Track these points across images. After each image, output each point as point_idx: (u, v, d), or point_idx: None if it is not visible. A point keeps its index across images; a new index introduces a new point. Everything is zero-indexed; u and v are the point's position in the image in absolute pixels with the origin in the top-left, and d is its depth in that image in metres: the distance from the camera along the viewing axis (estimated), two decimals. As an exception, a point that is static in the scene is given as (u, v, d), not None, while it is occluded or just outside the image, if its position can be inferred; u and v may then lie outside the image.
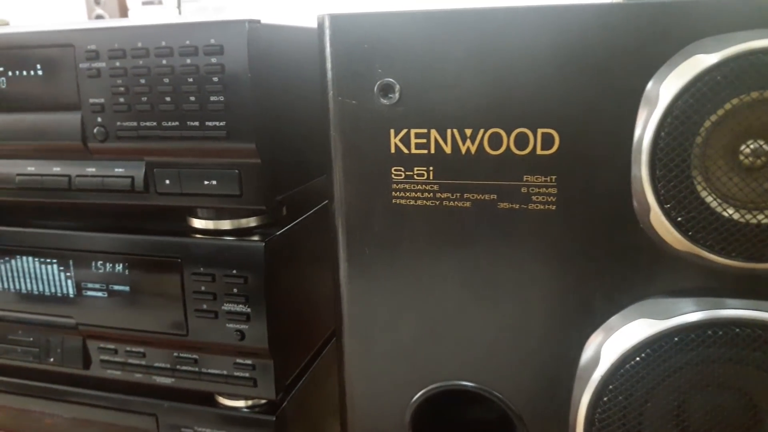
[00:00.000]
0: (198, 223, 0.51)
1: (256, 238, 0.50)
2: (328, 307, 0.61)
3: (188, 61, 0.45)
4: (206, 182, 0.48)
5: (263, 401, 0.53)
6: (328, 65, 0.43)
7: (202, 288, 0.49)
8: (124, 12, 2.12)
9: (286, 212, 0.53)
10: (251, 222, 0.51)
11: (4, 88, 0.51)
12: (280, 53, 0.48)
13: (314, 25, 0.42)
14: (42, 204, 0.53)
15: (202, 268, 0.49)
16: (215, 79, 0.44)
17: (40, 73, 0.49)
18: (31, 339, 0.56)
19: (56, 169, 0.51)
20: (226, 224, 0.51)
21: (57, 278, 0.54)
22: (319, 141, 0.44)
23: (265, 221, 0.51)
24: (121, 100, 0.47)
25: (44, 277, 0.54)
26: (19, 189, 0.52)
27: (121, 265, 0.51)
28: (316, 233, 0.57)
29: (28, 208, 0.56)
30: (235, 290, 0.48)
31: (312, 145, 0.57)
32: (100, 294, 0.53)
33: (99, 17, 2.02)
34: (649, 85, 0.38)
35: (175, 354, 0.52)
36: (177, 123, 0.46)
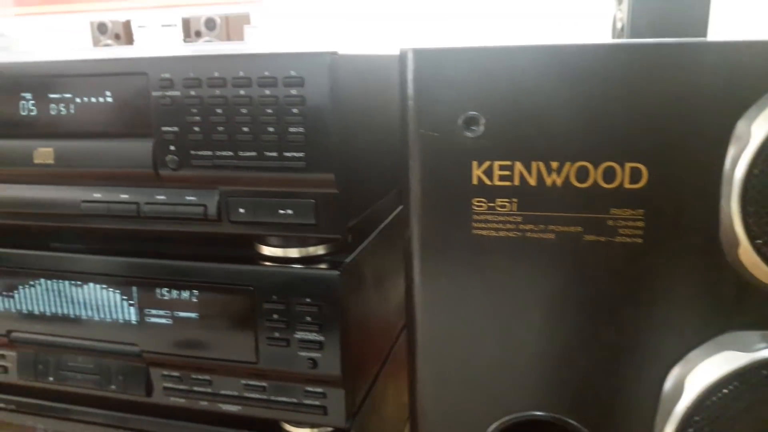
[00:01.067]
0: (267, 251, 0.51)
1: (323, 266, 0.50)
2: (386, 330, 0.61)
3: (267, 92, 0.45)
4: (281, 211, 0.48)
5: (329, 428, 0.53)
6: (410, 98, 0.43)
7: (275, 316, 0.49)
8: (129, 39, 2.12)
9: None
10: (319, 250, 0.51)
11: (72, 114, 0.50)
12: (354, 82, 0.48)
13: (376, 52, 0.42)
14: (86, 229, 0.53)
15: (275, 297, 0.49)
16: (295, 110, 0.45)
17: (109, 100, 0.49)
18: (92, 366, 0.56)
19: (124, 197, 0.51)
20: (294, 252, 0.51)
21: (122, 305, 0.54)
22: (381, 165, 0.44)
23: (331, 248, 0.51)
24: (196, 129, 0.47)
25: (109, 303, 0.54)
26: (83, 216, 0.52)
27: (190, 292, 0.51)
28: (377, 257, 0.57)
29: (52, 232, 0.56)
30: (308, 318, 0.49)
31: (375, 170, 0.57)
32: (166, 321, 0.53)
33: (107, 46, 2.03)
34: (739, 123, 0.38)
35: (243, 382, 0.52)
36: (254, 153, 0.46)
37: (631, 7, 0.58)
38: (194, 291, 0.51)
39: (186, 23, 2.74)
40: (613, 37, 0.65)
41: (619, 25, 0.62)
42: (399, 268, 0.66)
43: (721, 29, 0.60)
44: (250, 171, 0.47)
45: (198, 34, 2.74)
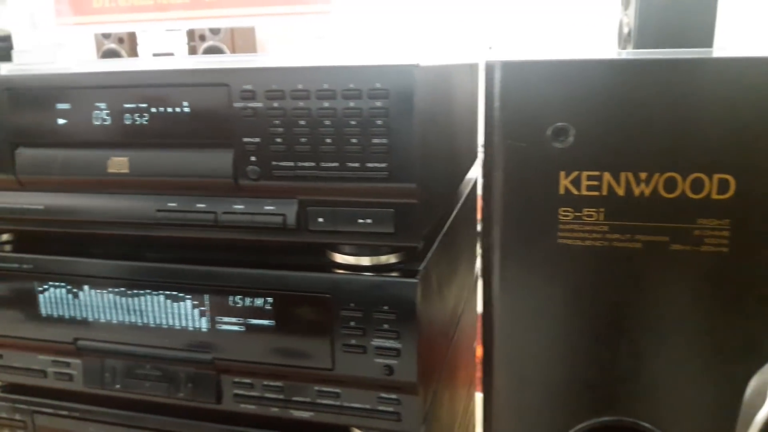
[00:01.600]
0: (340, 259, 0.52)
1: (397, 273, 0.50)
2: (445, 335, 0.62)
3: (351, 104, 0.45)
4: (360, 221, 0.48)
5: (400, 433, 0.54)
6: (496, 109, 0.44)
7: (352, 323, 0.50)
8: (133, 43, 2.13)
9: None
10: (391, 258, 0.52)
11: (146, 124, 0.51)
12: (430, 92, 0.49)
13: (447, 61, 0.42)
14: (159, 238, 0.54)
15: (352, 304, 0.50)
16: (379, 122, 0.45)
17: (186, 110, 0.50)
18: (160, 373, 0.56)
19: (200, 206, 0.51)
20: (366, 260, 0.51)
21: (193, 313, 0.54)
22: (446, 172, 0.44)
23: (402, 256, 0.52)
24: (278, 140, 0.48)
25: (180, 311, 0.54)
26: (157, 225, 0.53)
27: (266, 300, 0.52)
28: (441, 263, 0.58)
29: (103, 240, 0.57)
30: (385, 326, 0.49)
31: (443, 177, 0.58)
32: (240, 329, 0.53)
33: (111, 51, 2.02)
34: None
35: (317, 388, 0.52)
36: (337, 164, 0.47)
37: (637, 12, 0.59)
38: (269, 299, 0.52)
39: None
40: (619, 42, 0.66)
41: (625, 30, 0.63)
42: (452, 272, 0.66)
43: (727, 36, 0.61)
44: (332, 181, 0.47)
45: (202, 38, 2.75)
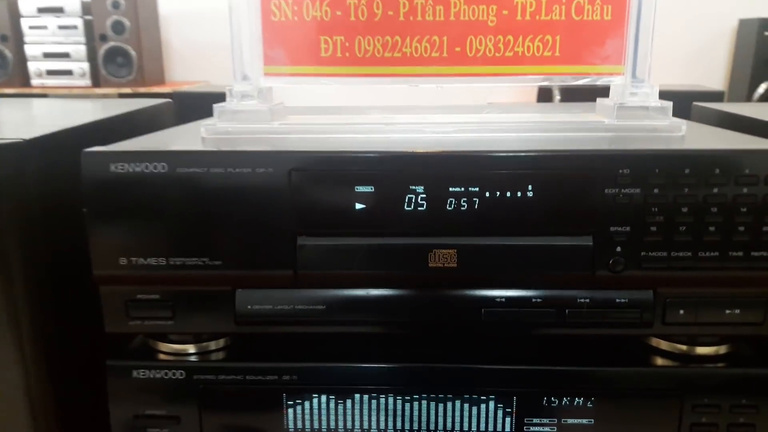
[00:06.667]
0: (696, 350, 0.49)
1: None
2: None
3: (745, 190, 0.43)
4: (728, 311, 0.45)
5: None
6: None
7: (703, 420, 0.47)
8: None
9: None
10: (721, 349, 0.49)
11: (475, 210, 0.44)
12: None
13: None
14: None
15: (706, 399, 0.46)
16: (774, 209, 0.43)
17: (529, 194, 0.44)
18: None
19: (537, 300, 0.46)
20: (722, 349, 0.49)
21: (496, 415, 0.48)
22: None
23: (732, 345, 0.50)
24: (653, 229, 0.43)
25: (482, 415, 0.48)
26: (481, 323, 0.46)
27: (585, 398, 0.47)
28: None
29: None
30: (741, 420, 0.46)
31: None
32: (550, 430, 0.48)
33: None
34: None
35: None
36: (717, 253, 0.44)
37: None
38: (592, 398, 0.47)
39: (89, 24, 2.50)
40: None
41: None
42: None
43: None
44: (710, 271, 0.44)
45: (103, 38, 2.51)
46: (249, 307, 0.46)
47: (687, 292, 0.45)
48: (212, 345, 0.50)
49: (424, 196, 0.44)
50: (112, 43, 2.56)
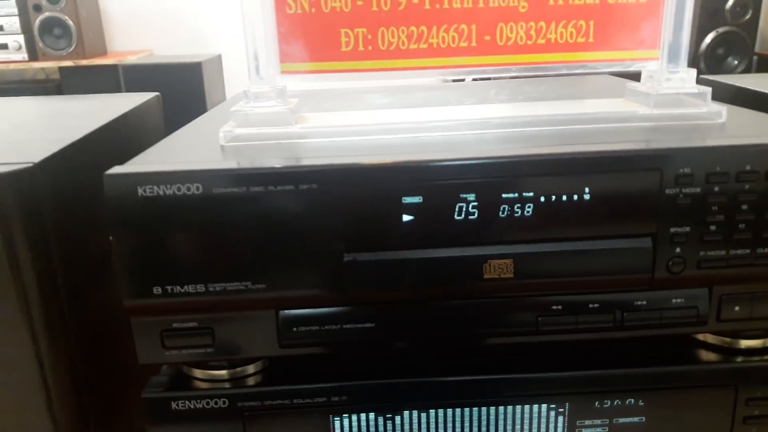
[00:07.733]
0: (744, 344, 0.48)
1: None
2: None
3: (805, 184, 0.42)
4: (784, 303, 0.45)
5: None
6: None
7: (756, 412, 0.47)
8: None
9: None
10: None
11: (530, 216, 0.42)
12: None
13: None
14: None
15: (759, 393, 0.46)
16: (832, 202, 0.42)
17: (586, 197, 0.42)
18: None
19: (594, 305, 0.44)
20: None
21: (548, 420, 0.47)
22: None
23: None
24: (713, 228, 0.42)
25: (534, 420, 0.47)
26: (535, 332, 0.45)
27: (636, 398, 0.47)
28: None
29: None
30: (795, 412, 0.47)
31: None
32: (602, 430, 0.47)
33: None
34: None
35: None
36: (774, 249, 0.43)
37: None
38: (642, 398, 0.47)
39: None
40: None
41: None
42: None
43: None
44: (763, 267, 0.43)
45: (38, 8, 2.36)
46: (294, 329, 0.44)
47: (742, 289, 0.45)
48: (251, 368, 0.47)
49: (476, 204, 0.42)
50: (47, 14, 2.41)
